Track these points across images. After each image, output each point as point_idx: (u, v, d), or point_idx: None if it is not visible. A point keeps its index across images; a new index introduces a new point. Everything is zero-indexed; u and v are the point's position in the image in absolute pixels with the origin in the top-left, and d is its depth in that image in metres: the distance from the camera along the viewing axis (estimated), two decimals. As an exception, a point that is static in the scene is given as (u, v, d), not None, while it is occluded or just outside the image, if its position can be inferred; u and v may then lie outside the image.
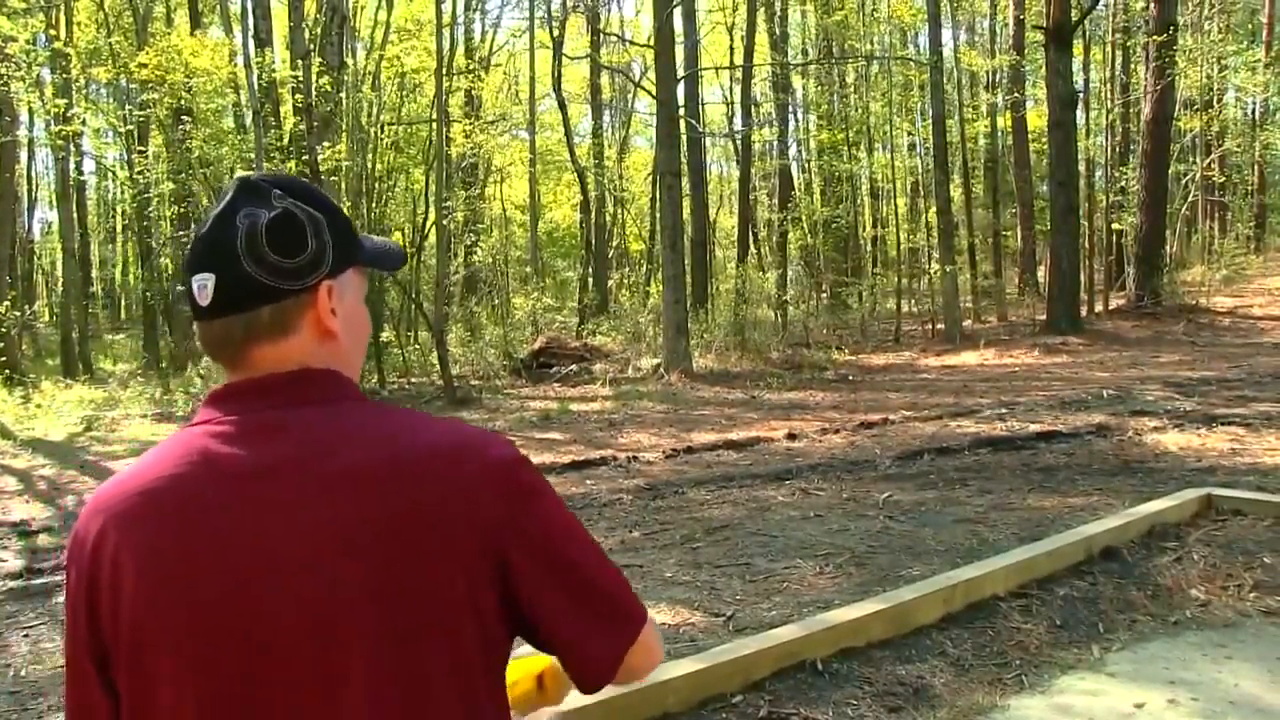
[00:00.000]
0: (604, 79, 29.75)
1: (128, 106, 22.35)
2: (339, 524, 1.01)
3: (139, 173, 20.66)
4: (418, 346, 19.97)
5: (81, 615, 1.06)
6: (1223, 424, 9.70)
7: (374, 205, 22.39)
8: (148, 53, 17.08)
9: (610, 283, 26.28)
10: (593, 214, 26.66)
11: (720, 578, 5.71)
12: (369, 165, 21.85)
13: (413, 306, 20.03)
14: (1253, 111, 32.76)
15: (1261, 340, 17.52)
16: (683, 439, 10.60)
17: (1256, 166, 30.06)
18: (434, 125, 19.18)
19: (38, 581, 6.25)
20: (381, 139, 23.36)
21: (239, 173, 16.91)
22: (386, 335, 18.37)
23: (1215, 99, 27.54)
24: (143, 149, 22.29)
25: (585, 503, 7.78)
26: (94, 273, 35.35)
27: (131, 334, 30.83)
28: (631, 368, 16.67)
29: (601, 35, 28.02)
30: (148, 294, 24.51)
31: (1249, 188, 30.80)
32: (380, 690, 1.01)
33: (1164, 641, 4.44)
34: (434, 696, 1.03)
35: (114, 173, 31.60)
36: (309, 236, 1.10)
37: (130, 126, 23.16)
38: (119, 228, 38.37)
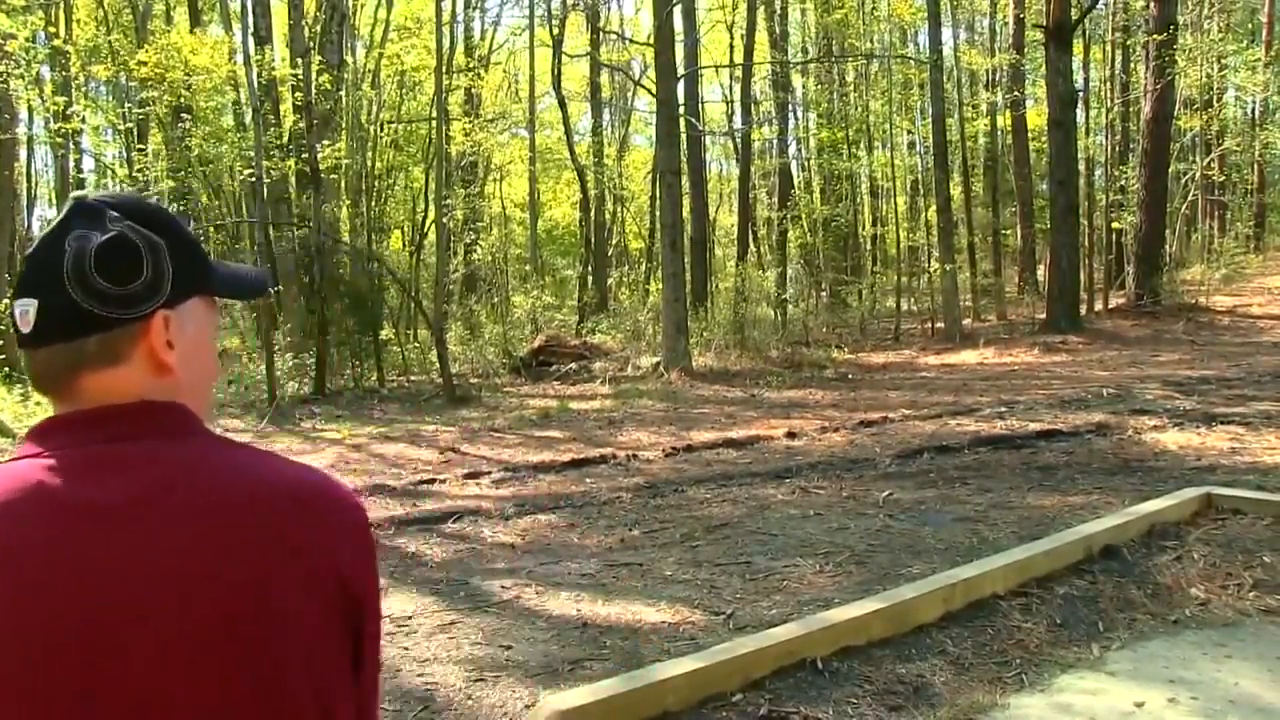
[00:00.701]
0: (604, 77, 29.73)
1: (127, 104, 22.33)
2: (189, 562, 0.94)
3: (138, 170, 20.65)
4: (417, 345, 19.97)
5: None
6: (1222, 423, 9.70)
7: (373, 203, 22.40)
8: (147, 51, 17.08)
9: (610, 281, 26.27)
10: (592, 212, 26.66)
11: (720, 576, 5.70)
12: (369, 163, 21.85)
13: (412, 305, 20.03)
14: (1252, 111, 32.76)
15: (1261, 339, 17.52)
16: (682, 437, 10.60)
17: (1256, 166, 30.05)
18: (433, 123, 19.17)
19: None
20: (381, 137, 23.37)
21: (239, 172, 16.94)
22: (386, 333, 18.36)
23: (1215, 98, 27.54)
24: (142, 147, 22.30)
25: (585, 501, 7.78)
26: (93, 270, 35.34)
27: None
28: (631, 366, 16.67)
29: (601, 33, 28.01)
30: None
31: (1248, 187, 30.80)
32: None
33: (1164, 640, 4.44)
34: None
35: (113, 171, 31.57)
36: (144, 262, 1.02)
37: (130, 124, 23.16)
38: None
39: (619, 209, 30.20)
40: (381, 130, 23.43)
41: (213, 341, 1.13)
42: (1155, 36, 20.50)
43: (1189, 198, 27.15)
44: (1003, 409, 11.35)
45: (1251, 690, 3.98)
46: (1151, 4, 21.48)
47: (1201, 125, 25.60)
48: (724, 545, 6.40)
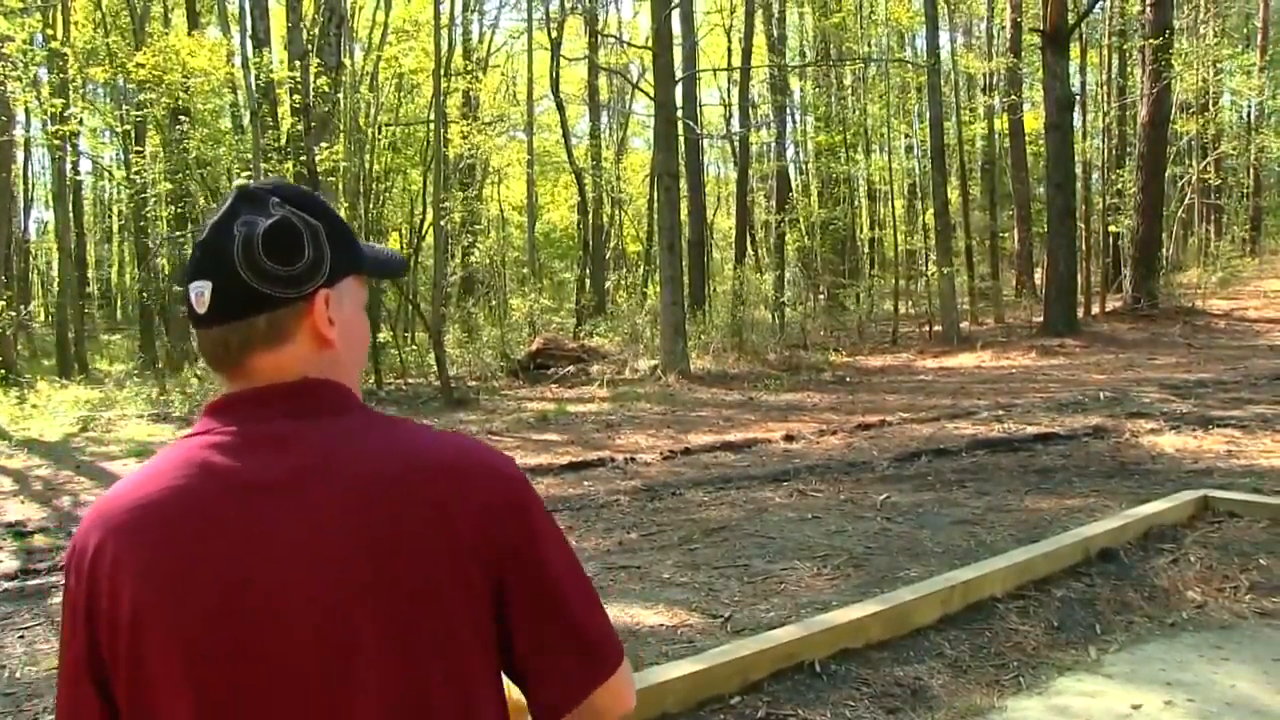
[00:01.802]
0: (602, 80, 29.75)
1: (125, 106, 22.32)
2: (342, 537, 1.01)
3: (136, 173, 20.64)
4: (415, 347, 19.97)
5: (80, 629, 1.05)
6: (1219, 426, 9.71)
7: (371, 206, 22.39)
8: (145, 53, 17.06)
9: (608, 284, 26.28)
10: (590, 215, 26.66)
11: (718, 579, 5.70)
12: (366, 166, 21.85)
13: (410, 307, 20.02)
14: (1248, 115, 32.81)
15: (1257, 342, 17.55)
16: (680, 440, 10.60)
17: (1252, 169, 30.11)
18: (432, 126, 19.18)
19: (33, 583, 6.25)
20: (379, 140, 23.36)
21: (237, 175, 16.95)
22: (384, 336, 18.36)
23: (1211, 102, 27.59)
24: (140, 149, 22.28)
25: (582, 504, 7.77)
26: (90, 273, 35.23)
27: (128, 334, 30.77)
28: (629, 369, 16.67)
29: (599, 36, 28.02)
30: (144, 294, 24.42)
31: (1245, 191, 30.86)
32: (384, 697, 1.01)
33: (1161, 643, 4.45)
34: (434, 706, 1.04)
35: (110, 173, 31.57)
36: (306, 244, 1.10)
37: (127, 126, 23.14)
38: (115, 228, 38.29)
39: (617, 212, 30.22)
40: (379, 133, 23.41)
41: (364, 315, 1.20)
42: (1151, 40, 20.53)
43: (1185, 201, 27.19)
44: (1000, 412, 11.36)
45: (1248, 692, 3.99)
46: (1147, 8, 21.52)
47: (1198, 129, 25.65)
48: (722, 548, 6.40)
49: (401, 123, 25.33)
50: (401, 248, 27.10)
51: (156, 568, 1.01)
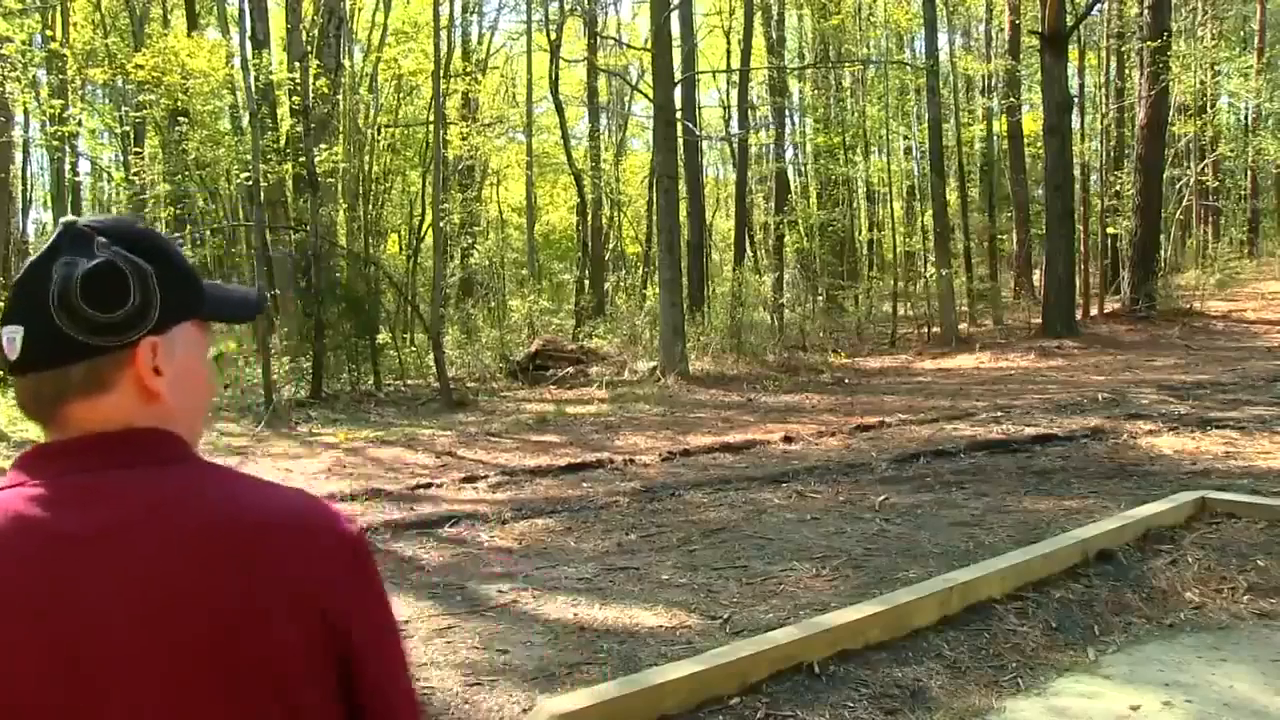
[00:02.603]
0: (601, 82, 29.77)
1: (124, 108, 22.32)
2: (167, 589, 0.94)
3: (135, 174, 20.62)
4: (414, 349, 19.97)
5: None
6: (1217, 427, 9.73)
7: (370, 207, 22.40)
8: (144, 54, 17.07)
9: (607, 285, 26.29)
10: (589, 217, 26.67)
11: (717, 580, 5.71)
12: (366, 167, 21.86)
13: (409, 308, 20.04)
14: (1245, 117, 32.85)
15: (1255, 344, 17.57)
16: (679, 442, 10.61)
17: (1249, 171, 30.16)
18: (431, 127, 19.19)
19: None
20: (378, 141, 23.37)
21: (236, 176, 16.94)
22: (383, 337, 18.35)
23: (1209, 104, 27.62)
24: (139, 150, 22.28)
25: (581, 505, 7.78)
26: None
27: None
28: (628, 370, 16.68)
29: (599, 38, 28.04)
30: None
31: (1242, 192, 30.91)
32: None
33: (1159, 644, 4.46)
34: None
35: (109, 174, 31.55)
36: (132, 289, 1.02)
37: (126, 128, 23.14)
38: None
39: (616, 213, 30.23)
40: (379, 134, 23.43)
41: (205, 364, 1.13)
42: (1149, 43, 20.55)
43: (1183, 203, 27.22)
44: (999, 414, 11.37)
45: (1246, 693, 4.01)
46: (1145, 11, 21.54)
47: (1196, 131, 25.69)
48: (721, 549, 6.41)
49: (400, 124, 25.36)
50: (401, 249, 27.10)
51: None
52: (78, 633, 0.93)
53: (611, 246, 30.02)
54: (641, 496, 8.03)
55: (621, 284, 26.80)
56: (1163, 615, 4.77)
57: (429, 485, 8.76)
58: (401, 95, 25.84)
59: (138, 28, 23.02)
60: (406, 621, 5.17)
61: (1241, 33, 32.23)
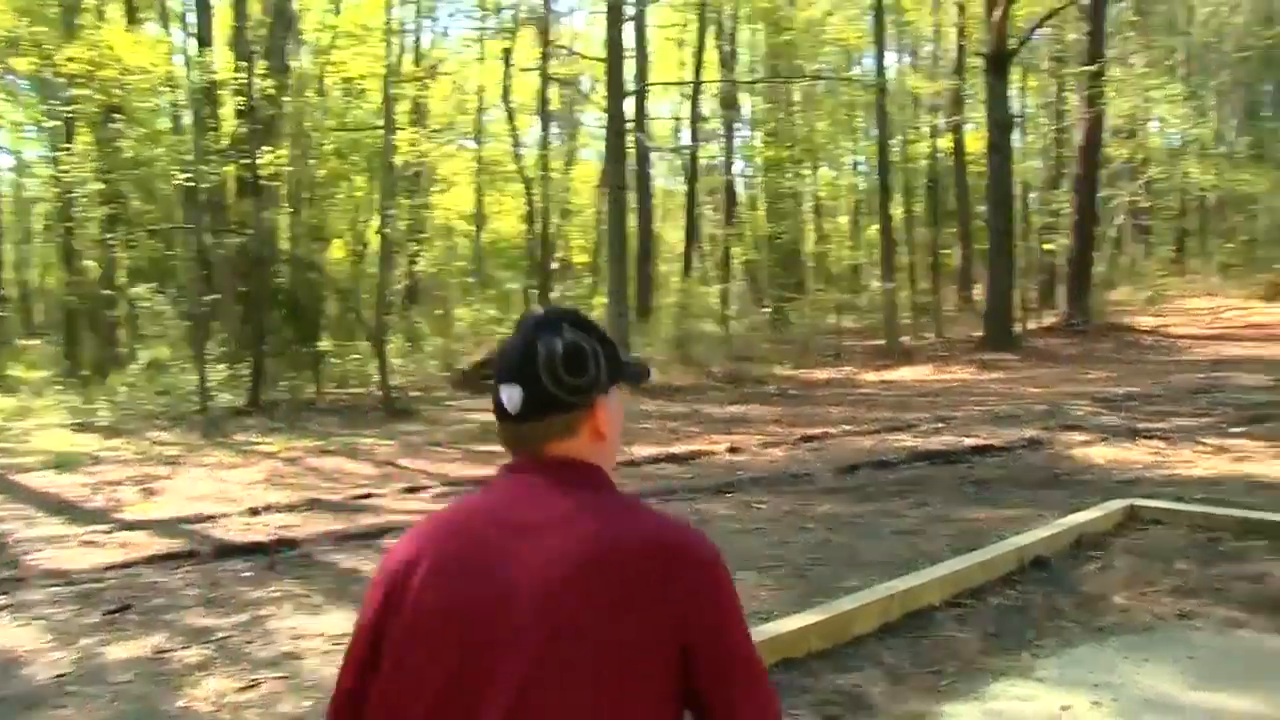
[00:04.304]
0: (553, 90, 29.76)
1: (52, 101, 21.63)
2: (569, 581, 1.29)
3: (63, 171, 20.01)
4: (357, 357, 19.77)
5: (376, 607, 1.39)
6: (1145, 438, 10.01)
7: (314, 212, 22.14)
8: (78, 46, 16.63)
9: (554, 295, 26.26)
10: (538, 225, 26.65)
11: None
12: (311, 171, 21.62)
13: (352, 315, 19.84)
14: (1174, 141, 33.74)
15: (1181, 358, 18.04)
16: (624, 452, 10.60)
17: (1178, 193, 30.97)
18: (378, 132, 19.05)
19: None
20: (324, 144, 23.12)
21: (175, 176, 16.63)
22: (324, 344, 18.11)
23: (1141, 128, 28.34)
24: (69, 146, 21.62)
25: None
26: (6, 274, 34.04)
27: (48, 339, 29.65)
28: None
29: (551, 46, 28.03)
30: (70, 298, 23.60)
31: (1171, 213, 31.74)
32: (562, 694, 1.28)
33: (1089, 647, 4.58)
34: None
35: (34, 170, 30.75)
36: (590, 363, 1.40)
37: (55, 122, 22.41)
38: (39, 228, 36.82)
39: (564, 223, 30.22)
40: (325, 137, 23.18)
41: (622, 413, 1.51)
42: (1086, 68, 21.04)
43: (1117, 222, 27.87)
44: (939, 425, 11.56)
45: (1168, 691, 4.17)
46: (1083, 37, 22.06)
47: (1129, 153, 26.33)
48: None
49: (348, 128, 25.11)
50: (346, 255, 26.77)
51: (440, 569, 1.35)
52: (494, 588, 1.32)
53: (560, 256, 29.99)
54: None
55: (569, 294, 26.79)
56: (1093, 619, 4.89)
57: (370, 496, 8.68)
58: (349, 99, 25.59)
59: (68, 18, 22.27)
60: (345, 635, 5.13)
61: (1168, 61, 33.08)
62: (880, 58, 21.29)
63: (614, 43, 17.43)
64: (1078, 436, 10.22)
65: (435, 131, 26.75)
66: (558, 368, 1.38)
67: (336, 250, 27.54)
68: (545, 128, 29.44)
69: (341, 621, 5.26)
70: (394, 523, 7.50)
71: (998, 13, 18.62)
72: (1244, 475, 8.23)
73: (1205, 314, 23.89)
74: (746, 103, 32.09)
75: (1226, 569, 5.58)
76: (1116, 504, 6.62)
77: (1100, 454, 9.31)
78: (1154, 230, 31.35)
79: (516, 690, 1.29)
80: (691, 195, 27.40)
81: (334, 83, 23.70)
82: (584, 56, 27.80)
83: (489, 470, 9.59)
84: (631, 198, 20.39)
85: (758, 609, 5.25)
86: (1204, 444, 9.66)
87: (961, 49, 25.55)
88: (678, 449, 10.62)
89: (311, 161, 20.55)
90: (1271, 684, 4.22)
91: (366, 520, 7.77)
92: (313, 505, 8.31)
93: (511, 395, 1.40)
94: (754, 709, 1.36)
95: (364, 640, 1.42)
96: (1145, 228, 31.06)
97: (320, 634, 5.17)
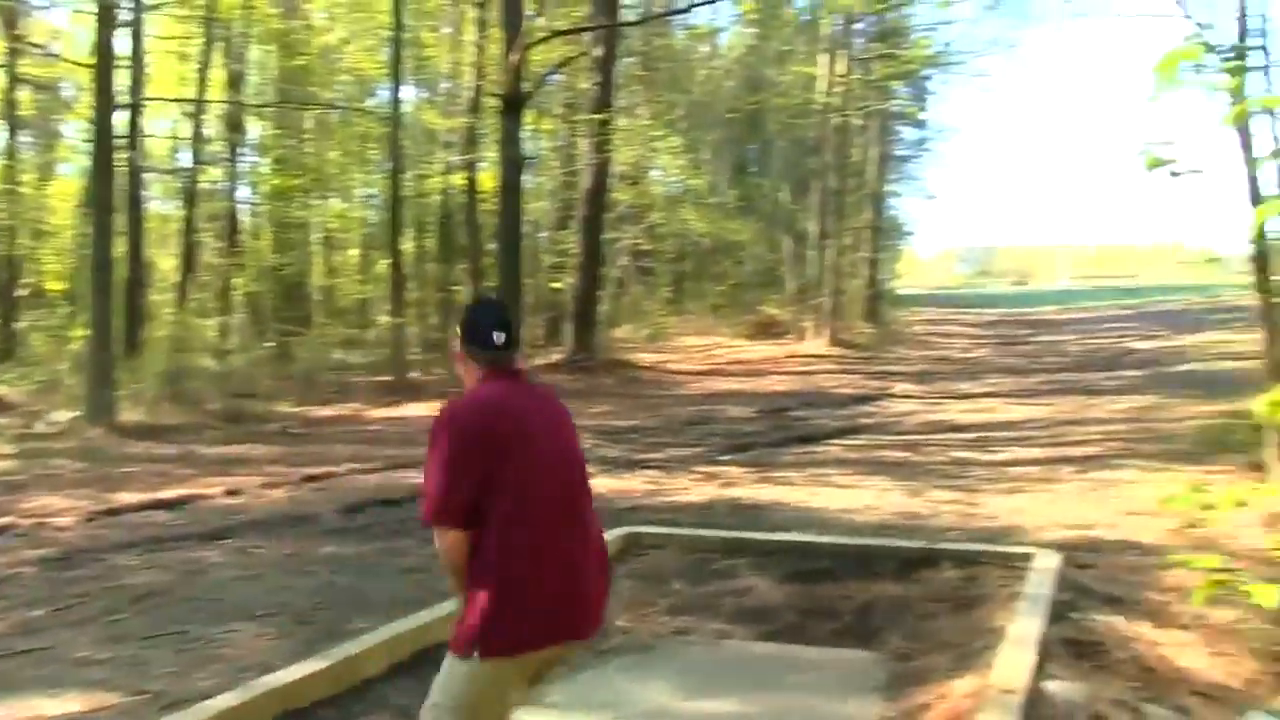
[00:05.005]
0: (25, 94, 26.24)
1: None
2: (560, 421, 2.99)
3: None
4: None
5: (480, 445, 2.76)
6: (644, 468, 10.80)
7: None
8: None
9: (21, 325, 23.07)
10: (3, 246, 23.30)
11: (148, 650, 5.20)
12: None
13: None
14: (674, 190, 37.33)
15: (678, 392, 19.80)
16: (104, 500, 9.45)
17: (677, 238, 34.23)
18: None
19: None
20: None
21: None
22: None
23: (644, 176, 31.02)
24: None
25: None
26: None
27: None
28: (44, 422, 14.66)
29: (23, 42, 24.69)
30: None
31: (670, 256, 35.03)
32: (586, 489, 2.98)
33: (594, 670, 4.79)
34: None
35: None
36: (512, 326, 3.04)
37: None
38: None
39: (38, 244, 26.79)
40: None
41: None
42: (595, 116, 22.57)
43: (621, 263, 30.16)
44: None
45: (665, 703, 4.49)
46: (593, 85, 23.66)
47: (632, 199, 28.64)
48: (152, 616, 5.82)
49: None
50: None
51: (512, 414, 2.81)
52: (541, 421, 2.89)
53: (30, 281, 26.50)
54: (54, 564, 7.05)
55: (40, 324, 23.69)
56: (597, 644, 5.08)
57: None
58: None
59: None
60: None
61: (669, 116, 36.61)
62: (396, 90, 21.28)
63: (104, 48, 15.72)
64: (583, 467, 10.74)
65: None
66: (516, 321, 2.83)
67: None
68: (14, 135, 25.90)
69: None
70: None
71: (515, 56, 19.24)
72: (731, 499, 9.11)
73: (699, 351, 26.41)
74: (255, 127, 30.58)
75: (717, 586, 6.12)
76: (619, 531, 7.01)
77: (604, 485, 9.80)
78: (655, 272, 34.20)
79: (580, 466, 2.96)
80: (190, 220, 25.50)
81: None
82: (66, 60, 24.90)
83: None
84: (121, 220, 18.51)
85: (258, 661, 4.91)
86: (696, 471, 10.61)
87: (479, 88, 26.19)
88: (167, 494, 9.65)
89: None
90: (754, 686, 4.69)
91: None
92: None
93: (499, 336, 2.88)
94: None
95: (477, 467, 2.70)
96: (647, 269, 33.77)
97: None
